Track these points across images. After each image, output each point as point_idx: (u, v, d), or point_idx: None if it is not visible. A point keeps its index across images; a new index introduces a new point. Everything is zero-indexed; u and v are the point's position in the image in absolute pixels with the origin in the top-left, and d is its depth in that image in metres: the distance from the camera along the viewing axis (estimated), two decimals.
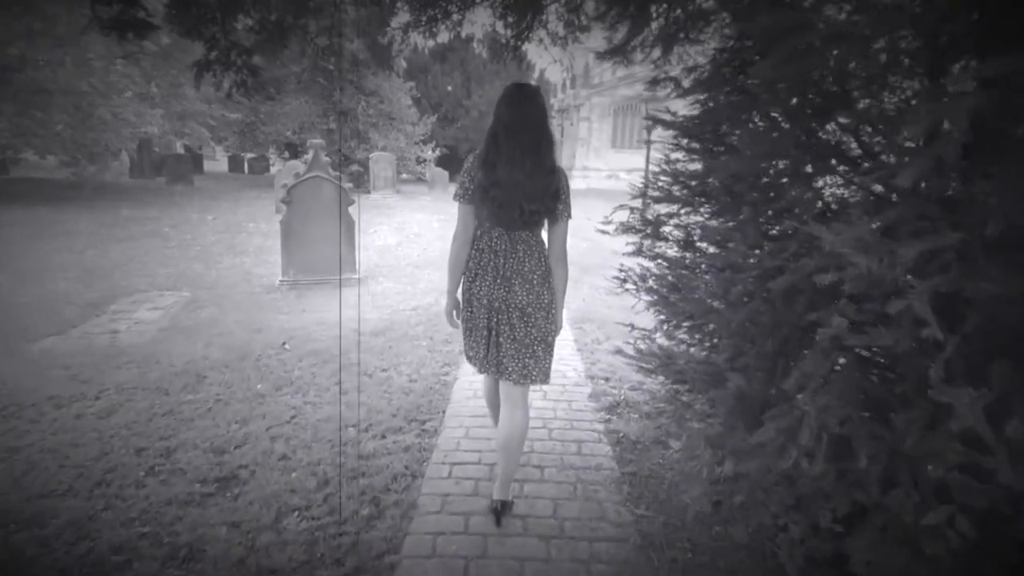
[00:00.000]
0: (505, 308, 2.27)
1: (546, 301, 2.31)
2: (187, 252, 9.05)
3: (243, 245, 9.67)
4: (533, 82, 31.60)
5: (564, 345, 4.70)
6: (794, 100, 1.73)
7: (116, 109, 14.17)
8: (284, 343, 4.62)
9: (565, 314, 5.62)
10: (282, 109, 20.04)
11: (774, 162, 1.85)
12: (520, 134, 2.19)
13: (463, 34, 6.57)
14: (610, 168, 30.79)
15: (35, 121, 13.94)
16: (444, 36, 6.54)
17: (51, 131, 14.04)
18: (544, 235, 2.37)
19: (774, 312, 1.57)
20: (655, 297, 3.10)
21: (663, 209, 2.64)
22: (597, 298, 6.49)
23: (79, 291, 6.70)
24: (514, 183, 2.18)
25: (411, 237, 11.06)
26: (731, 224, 2.29)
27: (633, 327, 3.11)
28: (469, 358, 2.47)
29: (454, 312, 2.47)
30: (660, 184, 2.55)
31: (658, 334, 3.18)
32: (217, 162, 30.57)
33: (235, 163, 29.27)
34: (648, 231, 2.61)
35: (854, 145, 1.78)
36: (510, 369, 2.31)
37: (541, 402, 3.58)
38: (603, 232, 2.91)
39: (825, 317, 1.39)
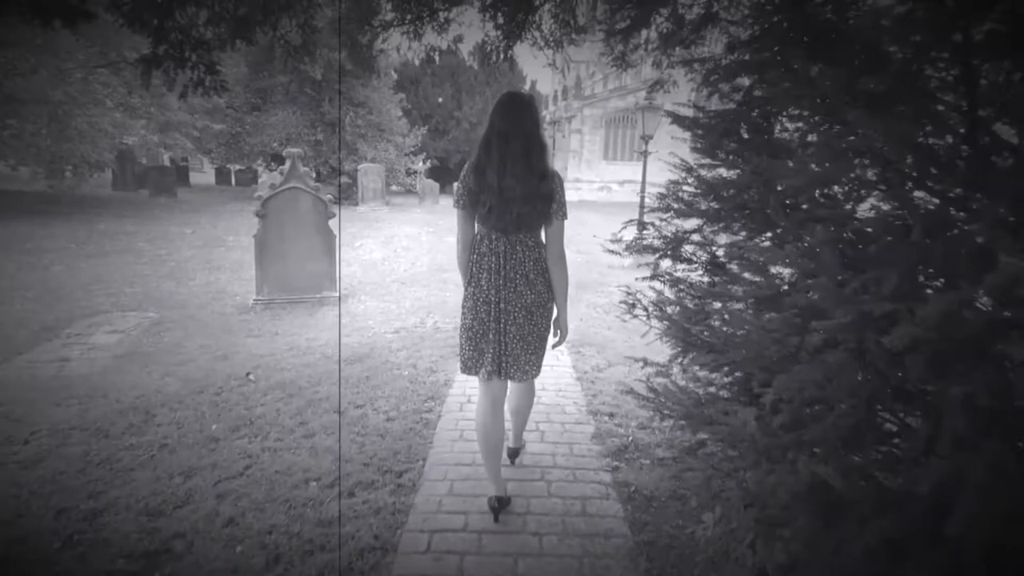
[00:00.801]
0: (511, 308, 2.32)
1: (546, 299, 2.38)
2: (159, 269, 8.54)
3: (220, 260, 9.18)
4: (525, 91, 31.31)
5: (562, 373, 4.24)
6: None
7: (93, 119, 13.66)
8: (248, 373, 4.13)
9: None
10: (268, 120, 19.57)
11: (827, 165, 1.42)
12: (512, 140, 2.22)
13: (451, 37, 6.16)
14: (602, 180, 30.54)
15: (9, 131, 13.42)
16: (432, 38, 6.13)
17: (25, 141, 13.51)
18: (543, 236, 2.38)
19: (868, 373, 1.12)
20: (668, 324, 2.66)
21: (687, 225, 2.20)
22: (595, 318, 6.03)
23: (36, 312, 6.19)
24: (504, 188, 2.21)
25: (398, 251, 10.59)
26: (767, 242, 1.84)
27: (646, 362, 2.66)
28: (467, 366, 2.44)
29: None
30: (682, 195, 2.11)
31: (675, 368, 2.73)
32: (204, 174, 30.05)
33: (222, 175, 28.72)
34: (668, 251, 2.16)
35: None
36: (514, 368, 2.38)
37: (539, 446, 3.11)
38: (613, 252, 2.46)
39: (963, 386, 0.94)
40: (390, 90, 22.40)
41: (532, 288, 2.32)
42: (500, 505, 2.41)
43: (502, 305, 2.31)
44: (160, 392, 3.94)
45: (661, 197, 2.18)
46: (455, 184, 2.38)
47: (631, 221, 2.44)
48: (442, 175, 26.31)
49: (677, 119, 2.08)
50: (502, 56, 5.77)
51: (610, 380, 4.13)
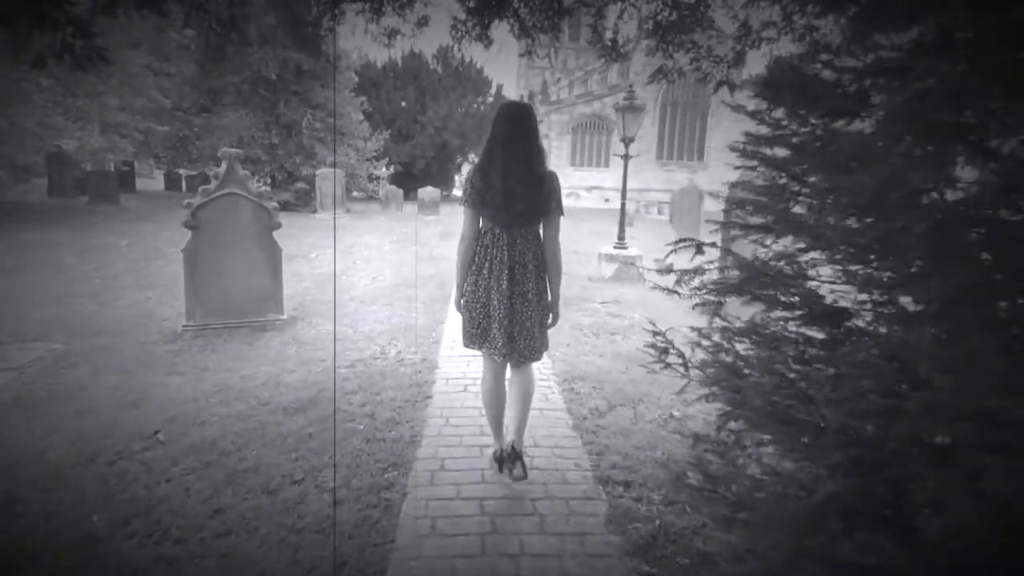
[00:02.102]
0: (511, 296, 2.54)
1: (542, 288, 2.63)
2: (83, 286, 7.47)
3: (155, 276, 8.14)
4: (496, 99, 30.71)
5: (556, 420, 3.46)
6: None
7: (16, 119, 12.38)
8: (157, 432, 3.23)
9: (550, 367, 4.41)
10: (219, 122, 18.36)
11: None
12: (513, 144, 2.48)
13: (415, 18, 5.36)
14: (570, 186, 30.13)
15: None
16: (393, 21, 5.34)
17: None
18: (540, 231, 2.63)
19: None
20: (717, 378, 1.90)
21: (775, 248, 1.44)
22: (583, 342, 5.26)
23: None
24: (507, 187, 2.46)
25: (358, 263, 9.68)
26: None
27: (696, 439, 1.90)
28: (468, 344, 2.71)
29: (462, 301, 2.70)
30: (786, 206, 1.35)
31: (725, 434, 1.98)
32: (153, 180, 28.45)
33: (172, 181, 27.15)
34: (758, 290, 1.41)
35: None
36: (518, 348, 2.59)
37: (540, 541, 2.31)
38: (671, 291, 1.70)
39: None
40: (351, 92, 21.41)
41: (528, 277, 2.56)
42: (506, 455, 2.65)
43: (504, 293, 2.53)
44: (38, 460, 3.01)
45: (741, 204, 1.41)
46: (462, 184, 2.68)
47: (683, 242, 1.67)
48: (406, 181, 25.34)
49: (774, 81, 1.32)
50: (476, 39, 5.01)
51: (615, 429, 3.36)
